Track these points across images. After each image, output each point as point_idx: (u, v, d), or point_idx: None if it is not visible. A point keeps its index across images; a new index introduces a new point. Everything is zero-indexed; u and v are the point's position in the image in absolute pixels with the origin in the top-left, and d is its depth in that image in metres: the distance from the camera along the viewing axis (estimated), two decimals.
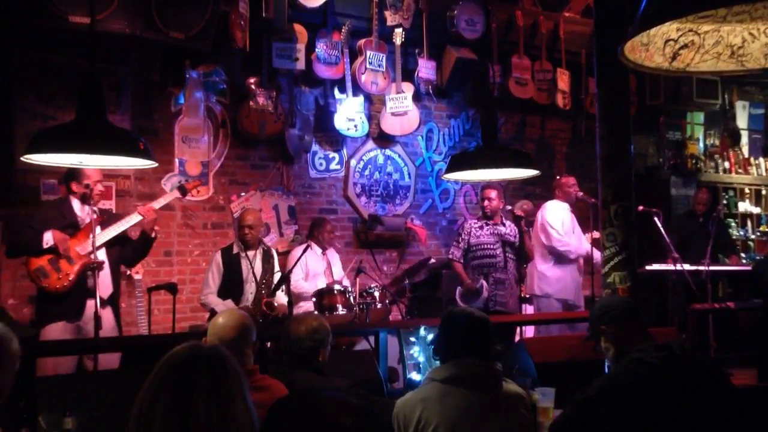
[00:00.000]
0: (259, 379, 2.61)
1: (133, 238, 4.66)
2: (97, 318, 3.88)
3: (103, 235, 4.34)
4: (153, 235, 4.57)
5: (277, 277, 5.16)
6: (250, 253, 5.18)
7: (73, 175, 4.39)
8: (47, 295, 4.27)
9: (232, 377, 1.56)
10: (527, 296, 6.11)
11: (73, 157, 3.34)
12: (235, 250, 5.21)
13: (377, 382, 3.59)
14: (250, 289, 5.12)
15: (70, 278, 4.25)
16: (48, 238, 4.20)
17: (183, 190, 4.84)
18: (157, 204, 4.62)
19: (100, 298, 4.29)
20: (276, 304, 4.99)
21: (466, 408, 2.37)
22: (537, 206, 6.29)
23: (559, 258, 5.90)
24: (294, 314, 4.73)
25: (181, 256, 5.87)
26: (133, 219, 4.46)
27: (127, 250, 4.60)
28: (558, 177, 6.34)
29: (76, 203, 4.44)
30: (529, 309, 6.16)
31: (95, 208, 4.41)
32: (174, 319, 5.06)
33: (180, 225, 5.87)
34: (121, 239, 4.50)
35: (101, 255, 4.32)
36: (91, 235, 4.16)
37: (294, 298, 5.58)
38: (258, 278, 5.12)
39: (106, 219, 4.50)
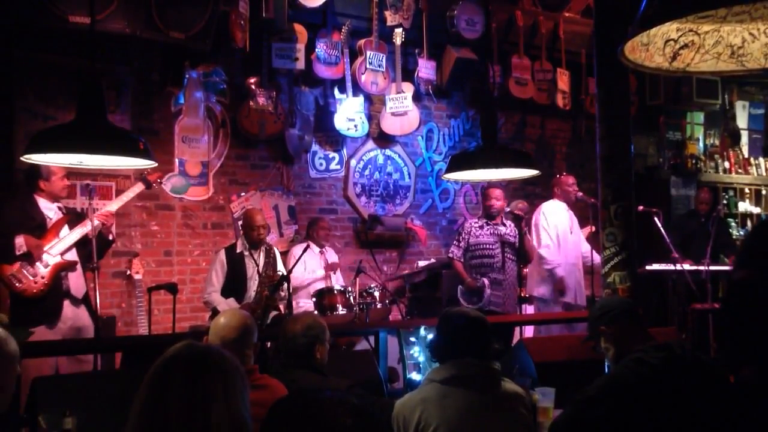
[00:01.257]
0: (259, 379, 2.62)
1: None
2: (97, 318, 3.88)
3: (71, 237, 4.33)
4: (110, 237, 4.59)
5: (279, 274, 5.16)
6: (255, 253, 5.18)
7: (39, 173, 4.33)
8: (24, 299, 4.19)
9: (213, 377, 1.53)
10: (527, 297, 6.10)
11: (73, 157, 3.35)
12: (239, 249, 5.21)
13: (377, 382, 3.58)
14: (253, 287, 5.13)
15: (46, 282, 4.20)
16: (20, 244, 4.13)
17: (147, 183, 4.82)
18: (117, 203, 4.64)
19: (75, 298, 4.28)
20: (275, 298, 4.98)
21: (466, 408, 2.37)
22: (536, 206, 6.28)
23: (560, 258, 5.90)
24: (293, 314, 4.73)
25: (181, 256, 5.87)
26: (91, 224, 4.44)
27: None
28: (557, 175, 6.33)
29: (42, 201, 4.37)
30: (529, 309, 6.15)
31: (61, 206, 4.42)
32: (174, 319, 5.05)
33: (180, 225, 5.87)
34: (85, 240, 4.45)
35: (72, 255, 4.32)
36: (60, 235, 4.20)
37: (295, 292, 5.58)
38: (261, 275, 5.13)
39: (73, 218, 4.49)
